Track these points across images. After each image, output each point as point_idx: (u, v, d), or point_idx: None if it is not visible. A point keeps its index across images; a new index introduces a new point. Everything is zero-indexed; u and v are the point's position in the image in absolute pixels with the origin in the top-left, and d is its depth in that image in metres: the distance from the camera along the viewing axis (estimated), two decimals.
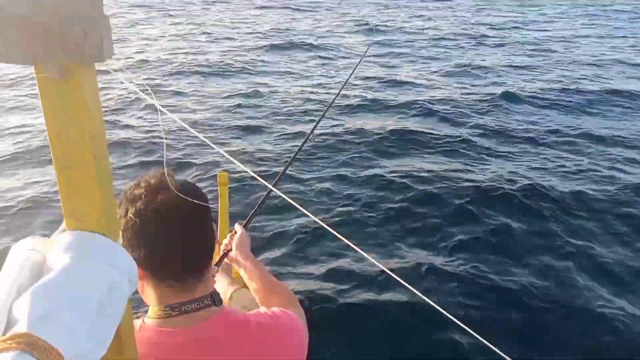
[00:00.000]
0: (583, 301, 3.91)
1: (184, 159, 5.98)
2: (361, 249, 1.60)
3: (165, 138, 5.97)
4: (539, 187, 5.77)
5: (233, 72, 13.06)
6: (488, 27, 23.44)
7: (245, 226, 1.68)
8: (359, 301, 3.65)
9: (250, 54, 15.77)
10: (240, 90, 10.82)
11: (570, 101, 9.86)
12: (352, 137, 7.57)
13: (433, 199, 5.53)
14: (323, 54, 15.92)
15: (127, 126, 7.16)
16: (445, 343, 3.28)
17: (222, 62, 14.22)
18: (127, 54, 15.62)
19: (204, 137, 1.91)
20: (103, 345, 0.64)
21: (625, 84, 11.20)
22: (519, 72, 12.80)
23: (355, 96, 10.03)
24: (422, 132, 7.89)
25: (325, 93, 9.99)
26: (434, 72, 12.89)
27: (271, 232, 4.50)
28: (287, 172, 2.48)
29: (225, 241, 1.59)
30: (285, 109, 9.06)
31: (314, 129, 2.55)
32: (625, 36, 19.67)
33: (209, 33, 20.83)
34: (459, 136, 7.64)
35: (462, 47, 17.33)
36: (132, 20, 26.44)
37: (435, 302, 1.28)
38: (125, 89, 6.63)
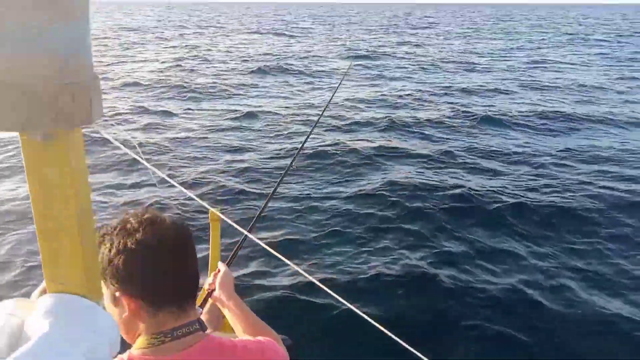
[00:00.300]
0: (537, 313, 4.08)
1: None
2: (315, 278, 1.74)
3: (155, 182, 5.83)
4: (506, 200, 6.05)
5: (220, 94, 13.41)
6: (475, 53, 24.16)
7: (228, 264, 1.68)
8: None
9: (239, 77, 16.17)
10: (226, 113, 11.12)
11: (551, 122, 10.27)
12: (335, 153, 7.83)
13: (416, 213, 5.75)
14: (309, 79, 16.36)
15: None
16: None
17: (213, 84, 14.59)
18: (120, 74, 15.98)
19: (188, 191, 2.01)
20: None
21: (604, 107, 11.69)
22: (504, 95, 13.26)
23: (340, 116, 10.37)
24: (402, 148, 8.20)
25: (306, 119, 10.29)
26: (420, 92, 13.32)
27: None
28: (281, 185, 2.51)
29: (209, 280, 1.59)
30: (271, 132, 9.31)
31: (292, 161, 2.57)
32: (606, 64, 20.46)
33: (201, 56, 21.34)
34: (434, 152, 7.94)
35: (448, 71, 17.89)
36: (128, 43, 27.00)
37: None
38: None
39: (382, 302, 4.05)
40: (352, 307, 1.70)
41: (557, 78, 16.41)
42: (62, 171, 0.64)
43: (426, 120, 10.43)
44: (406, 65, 19.36)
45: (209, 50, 24.19)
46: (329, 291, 1.72)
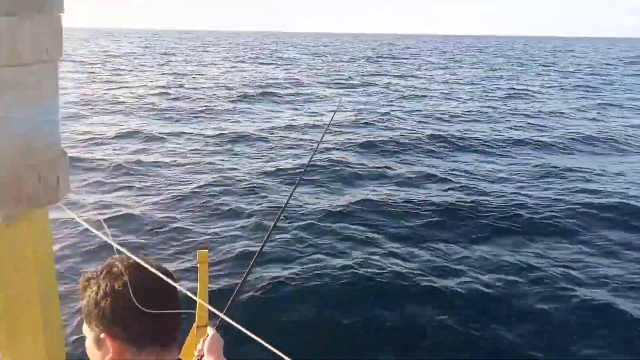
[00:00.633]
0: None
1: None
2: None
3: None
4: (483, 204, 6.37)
5: (206, 118, 13.69)
6: (456, 82, 25.02)
7: (217, 328, 1.67)
8: None
9: (225, 103, 16.52)
10: (215, 140, 11.38)
11: (536, 141, 10.95)
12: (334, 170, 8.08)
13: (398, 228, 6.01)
14: (295, 105, 16.79)
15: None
16: None
17: (200, 109, 14.89)
18: (109, 94, 16.19)
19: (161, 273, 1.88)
20: None
21: (582, 129, 12.40)
22: (489, 119, 13.83)
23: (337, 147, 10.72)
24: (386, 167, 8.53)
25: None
26: (406, 116, 13.78)
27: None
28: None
29: (199, 347, 1.58)
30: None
31: (280, 213, 2.55)
32: (583, 91, 21.51)
33: (187, 83, 21.69)
34: (412, 173, 8.28)
35: (433, 97, 18.55)
36: (116, 69, 27.27)
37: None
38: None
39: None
40: None
41: (529, 105, 17.17)
42: (25, 253, 0.61)
43: (405, 142, 10.85)
44: (394, 93, 20.03)
45: (195, 77, 24.61)
46: None
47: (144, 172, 8.23)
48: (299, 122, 13.38)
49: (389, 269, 5.02)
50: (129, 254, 0.93)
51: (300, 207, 6.75)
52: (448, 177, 8.42)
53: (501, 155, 10.32)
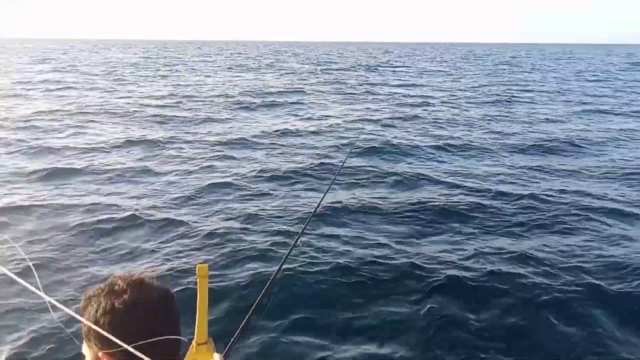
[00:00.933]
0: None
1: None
2: None
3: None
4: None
5: (208, 124, 13.95)
6: (460, 90, 25.23)
7: (225, 355, 1.52)
8: None
9: (227, 110, 16.78)
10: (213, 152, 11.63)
11: (532, 146, 11.26)
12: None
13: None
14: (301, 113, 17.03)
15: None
16: None
17: (202, 116, 15.15)
18: (113, 105, 16.49)
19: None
20: None
21: (570, 132, 12.61)
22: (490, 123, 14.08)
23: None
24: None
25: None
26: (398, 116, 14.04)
27: None
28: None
29: None
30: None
31: (288, 254, 2.29)
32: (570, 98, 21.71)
33: (191, 91, 22.00)
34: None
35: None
36: (121, 78, 27.66)
37: None
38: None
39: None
40: None
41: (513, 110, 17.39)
42: None
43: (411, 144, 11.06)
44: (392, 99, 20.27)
45: (200, 85, 24.94)
46: None
47: (143, 173, 8.43)
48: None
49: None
50: (68, 310, 0.90)
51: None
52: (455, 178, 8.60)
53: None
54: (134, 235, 5.97)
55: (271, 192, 7.86)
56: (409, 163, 10.04)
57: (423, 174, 8.99)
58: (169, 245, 5.72)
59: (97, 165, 9.14)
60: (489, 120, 15.52)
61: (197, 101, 18.82)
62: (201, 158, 10.01)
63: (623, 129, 13.98)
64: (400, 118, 15.59)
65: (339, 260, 5.34)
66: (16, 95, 19.52)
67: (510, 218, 6.79)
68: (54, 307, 1.03)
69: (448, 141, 11.96)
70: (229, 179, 8.43)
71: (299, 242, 2.44)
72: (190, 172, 8.95)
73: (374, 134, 12.73)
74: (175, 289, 4.58)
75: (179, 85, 25.06)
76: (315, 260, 5.33)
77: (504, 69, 42.49)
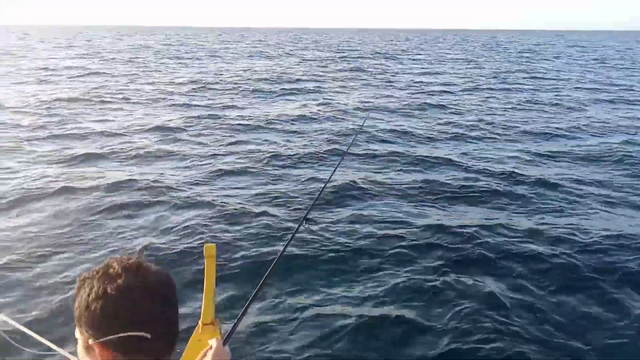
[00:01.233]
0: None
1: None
2: None
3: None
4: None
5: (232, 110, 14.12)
6: (481, 76, 24.91)
7: (225, 341, 1.43)
8: None
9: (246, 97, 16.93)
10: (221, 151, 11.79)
11: (554, 134, 11.19)
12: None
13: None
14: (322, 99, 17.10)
15: None
16: None
17: (226, 102, 15.34)
18: (134, 91, 16.80)
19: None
20: None
21: (592, 121, 12.44)
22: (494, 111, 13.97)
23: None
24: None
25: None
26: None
27: None
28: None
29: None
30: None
31: (283, 251, 2.28)
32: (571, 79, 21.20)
33: (212, 79, 22.21)
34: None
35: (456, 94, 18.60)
36: (143, 63, 28.04)
37: None
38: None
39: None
40: None
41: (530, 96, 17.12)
42: None
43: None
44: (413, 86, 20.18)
45: (221, 72, 25.15)
46: None
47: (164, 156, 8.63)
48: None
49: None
50: (58, 349, 0.84)
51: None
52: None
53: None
54: (152, 213, 6.28)
55: (285, 175, 8.12)
56: (427, 148, 10.09)
57: (442, 157, 9.13)
58: (185, 223, 5.96)
59: (120, 149, 9.42)
60: (511, 108, 15.37)
61: (217, 88, 19.05)
62: (219, 143, 10.22)
63: None
64: (418, 106, 15.55)
65: (346, 241, 5.51)
66: (41, 81, 20.00)
67: (527, 201, 6.91)
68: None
69: (465, 129, 11.93)
70: (245, 163, 8.68)
71: (304, 224, 2.47)
72: (209, 155, 9.21)
73: (388, 121, 12.79)
74: (183, 268, 4.84)
75: (200, 72, 25.30)
76: (322, 243, 5.47)
77: (527, 57, 41.70)
